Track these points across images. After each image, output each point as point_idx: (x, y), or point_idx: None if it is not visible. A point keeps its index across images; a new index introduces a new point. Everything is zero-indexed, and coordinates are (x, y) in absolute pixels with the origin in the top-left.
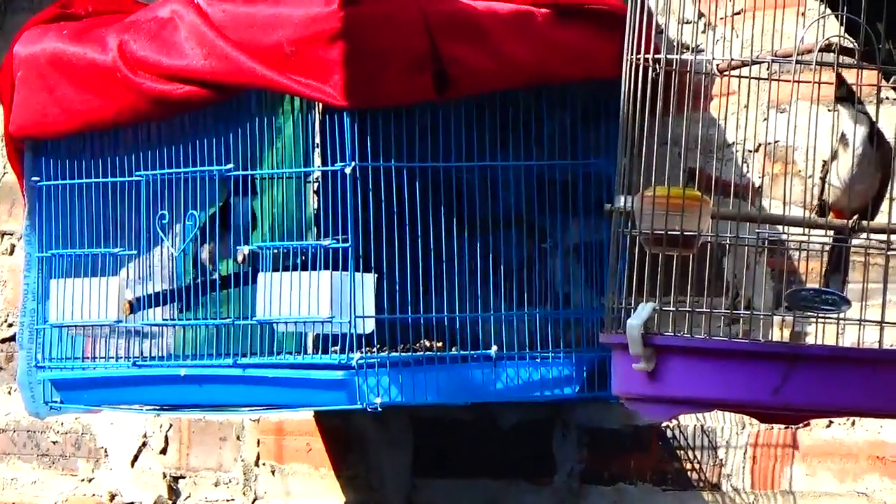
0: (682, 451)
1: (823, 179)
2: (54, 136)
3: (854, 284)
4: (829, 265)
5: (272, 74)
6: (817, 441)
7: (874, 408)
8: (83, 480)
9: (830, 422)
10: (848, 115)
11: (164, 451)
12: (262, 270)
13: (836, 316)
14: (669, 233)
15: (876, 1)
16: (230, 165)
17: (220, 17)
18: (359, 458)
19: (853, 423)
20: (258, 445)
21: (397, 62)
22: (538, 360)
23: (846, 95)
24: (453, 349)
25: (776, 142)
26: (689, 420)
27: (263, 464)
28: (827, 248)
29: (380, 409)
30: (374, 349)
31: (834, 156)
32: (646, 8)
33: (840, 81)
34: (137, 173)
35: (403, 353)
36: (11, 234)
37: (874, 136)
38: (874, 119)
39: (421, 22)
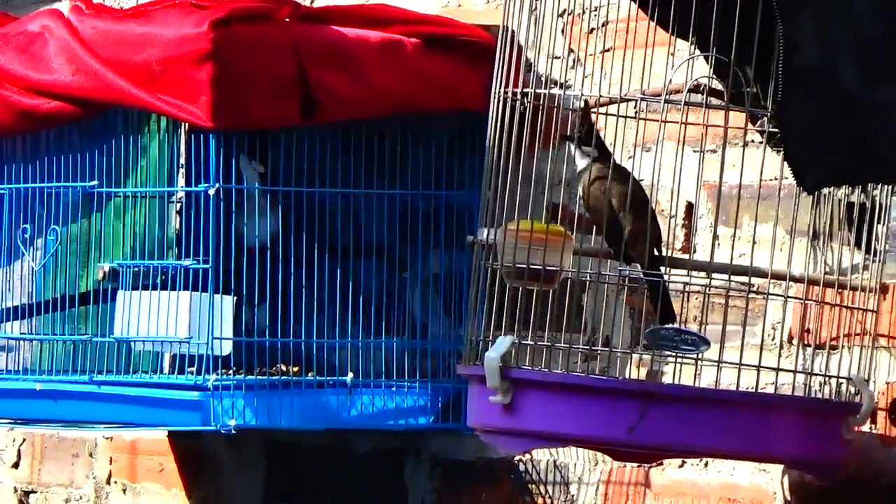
0: (534, 486)
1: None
2: None
3: (713, 326)
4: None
5: (139, 93)
6: (669, 481)
7: (728, 449)
8: None
9: (683, 462)
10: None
11: (16, 465)
12: (122, 288)
13: (694, 356)
14: (530, 267)
15: (745, 45)
16: (94, 182)
17: (90, 34)
18: (210, 479)
19: (706, 465)
20: (111, 463)
21: (265, 86)
22: (393, 389)
23: (569, 134)
24: (309, 374)
25: (641, 180)
26: (542, 455)
27: (115, 482)
28: (688, 287)
29: (234, 432)
30: (231, 371)
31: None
32: (515, 42)
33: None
34: (0, 186)
35: (259, 377)
36: None
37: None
38: (611, 154)
39: (290, 47)
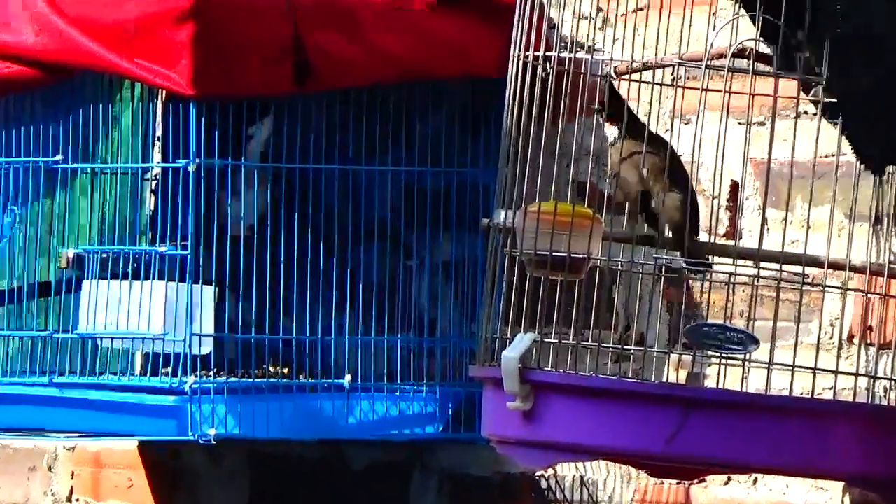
0: None
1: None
2: None
3: (762, 322)
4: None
5: (111, 56)
6: (713, 500)
7: (780, 464)
8: None
9: (729, 478)
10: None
11: None
12: (88, 278)
13: (741, 357)
14: (555, 254)
15: (797, 3)
16: (59, 157)
17: None
18: (187, 497)
19: (755, 481)
20: (72, 478)
21: (254, 48)
22: (397, 394)
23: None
24: (301, 377)
25: (680, 155)
26: (567, 470)
27: (77, 499)
28: (734, 278)
29: (214, 442)
30: (211, 373)
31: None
32: (537, 0)
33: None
34: None
35: (244, 379)
36: None
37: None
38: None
39: (283, 5)
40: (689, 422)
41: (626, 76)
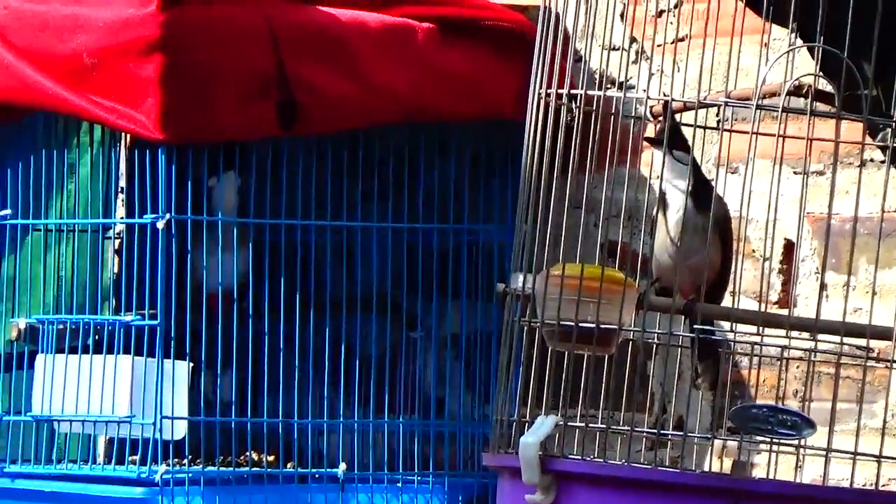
0: None
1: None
2: None
3: (819, 403)
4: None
5: (66, 94)
6: None
7: None
8: None
9: None
10: (667, 168)
11: None
12: (43, 352)
13: (794, 443)
14: (581, 325)
15: (862, 32)
16: (7, 212)
17: (1, 17)
18: None
19: None
20: None
21: (232, 85)
22: (399, 485)
23: (658, 138)
24: (289, 465)
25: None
26: None
27: None
28: (787, 353)
29: None
30: (185, 461)
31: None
32: (560, 28)
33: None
34: None
35: (223, 468)
36: None
37: (701, 193)
38: (701, 170)
39: (265, 34)
40: None
41: (663, 118)
